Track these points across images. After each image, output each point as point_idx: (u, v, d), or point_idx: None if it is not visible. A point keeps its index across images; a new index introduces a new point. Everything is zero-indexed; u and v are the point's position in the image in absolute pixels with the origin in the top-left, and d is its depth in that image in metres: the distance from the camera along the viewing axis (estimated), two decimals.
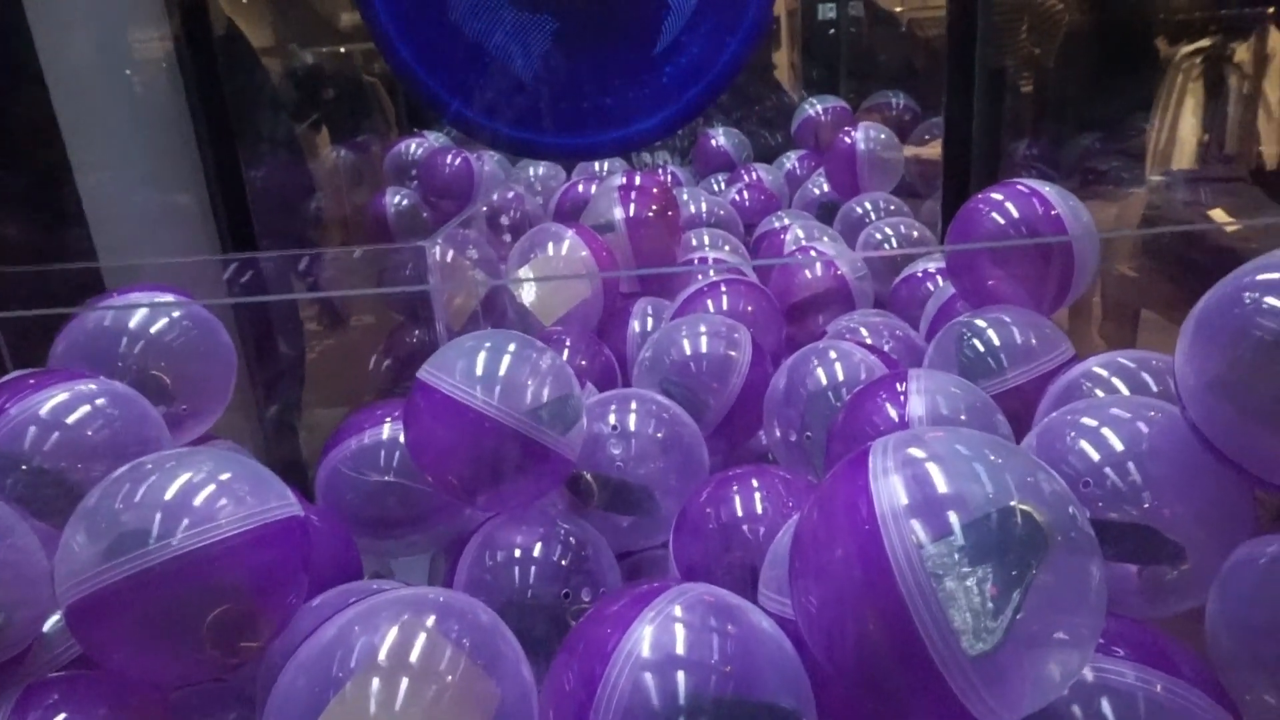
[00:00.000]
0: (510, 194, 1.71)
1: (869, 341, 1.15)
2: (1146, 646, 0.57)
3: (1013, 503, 0.49)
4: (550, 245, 1.27)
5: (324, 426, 1.97)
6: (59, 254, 1.70)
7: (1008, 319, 0.99)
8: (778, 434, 0.98)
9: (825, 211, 1.97)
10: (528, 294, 1.20)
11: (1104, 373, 0.84)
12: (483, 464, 0.80)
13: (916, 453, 0.50)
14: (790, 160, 2.30)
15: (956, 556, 0.47)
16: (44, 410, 0.73)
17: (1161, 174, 1.85)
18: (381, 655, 0.55)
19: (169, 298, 0.92)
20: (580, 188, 1.73)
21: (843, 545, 0.49)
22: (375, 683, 0.54)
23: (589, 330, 1.25)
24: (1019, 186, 1.09)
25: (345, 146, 2.35)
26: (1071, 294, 1.03)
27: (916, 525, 0.48)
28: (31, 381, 0.76)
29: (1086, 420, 0.70)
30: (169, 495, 0.64)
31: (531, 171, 2.24)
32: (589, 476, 0.87)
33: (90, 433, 0.74)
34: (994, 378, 0.95)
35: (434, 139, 2.33)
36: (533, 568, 0.80)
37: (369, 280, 1.39)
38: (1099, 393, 0.82)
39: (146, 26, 1.57)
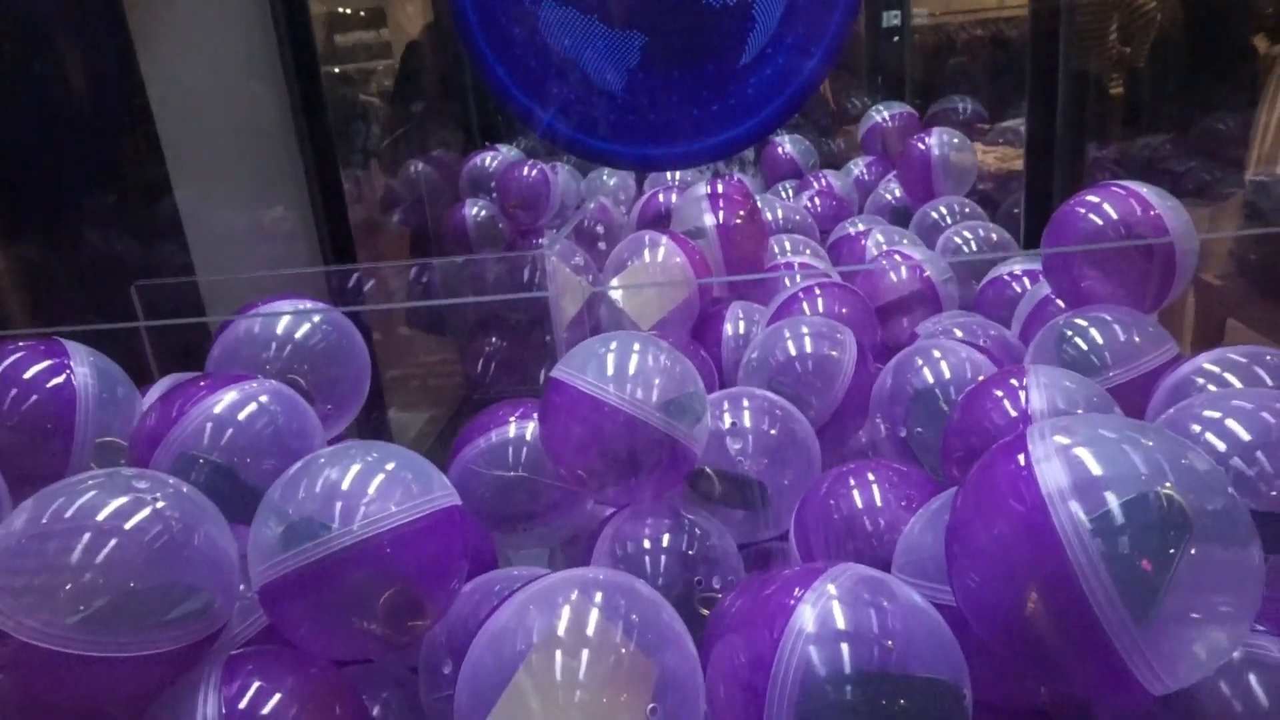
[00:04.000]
0: (593, 205, 1.76)
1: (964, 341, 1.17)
2: None
3: (1169, 483, 0.52)
4: (646, 252, 1.32)
5: (408, 429, 2.03)
6: (158, 270, 1.78)
7: (1109, 318, 1.01)
8: (883, 431, 1.01)
9: (898, 216, 1.99)
10: (626, 299, 1.25)
11: (1216, 369, 0.86)
12: (615, 457, 0.84)
13: (1075, 436, 0.53)
14: (858, 166, 2.32)
15: (1123, 532, 0.50)
16: (218, 409, 0.79)
17: (1263, 176, 1.82)
18: (560, 630, 0.59)
19: (308, 304, 0.98)
20: (660, 197, 1.78)
21: (1009, 524, 0.53)
22: (555, 656, 0.58)
23: (685, 333, 1.29)
24: (1115, 188, 1.11)
25: (422, 160, 2.42)
26: (1171, 294, 1.05)
27: (1082, 503, 0.51)
28: (202, 384, 0.82)
29: (1209, 413, 0.72)
30: (346, 486, 0.69)
31: (604, 181, 2.29)
32: (710, 471, 0.91)
33: (258, 428, 0.80)
34: (1096, 376, 0.97)
35: (506, 151, 2.40)
36: (663, 557, 0.84)
37: (479, 287, 1.45)
38: (1212, 388, 0.84)
39: (252, 43, 1.65)
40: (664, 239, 1.32)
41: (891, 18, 2.51)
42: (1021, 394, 0.81)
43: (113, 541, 0.62)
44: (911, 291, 1.40)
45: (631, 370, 0.85)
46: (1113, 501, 0.51)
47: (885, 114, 2.36)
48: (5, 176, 1.68)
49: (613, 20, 1.43)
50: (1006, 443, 0.56)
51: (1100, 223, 1.08)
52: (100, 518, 0.62)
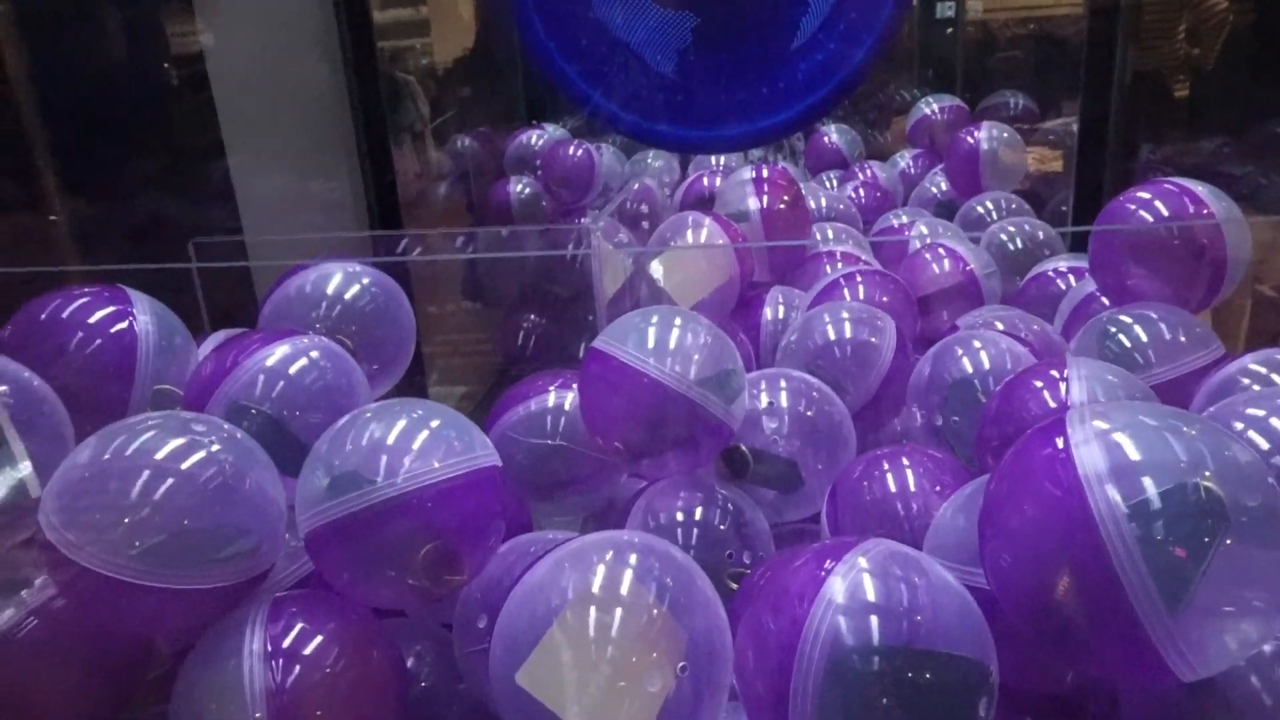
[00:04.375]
0: (636, 186, 1.77)
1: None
2: None
3: (1209, 472, 0.52)
4: (689, 232, 1.32)
5: (444, 401, 2.06)
6: (209, 231, 1.82)
7: (1154, 315, 1.01)
8: (920, 419, 1.01)
9: (943, 210, 1.98)
10: (667, 277, 1.26)
11: (1262, 369, 0.85)
12: (653, 428, 0.85)
13: (1114, 421, 0.54)
14: (905, 159, 2.30)
15: (1160, 518, 0.50)
16: (270, 363, 0.82)
17: None
18: (595, 588, 0.61)
19: (357, 266, 1.01)
20: (704, 181, 1.78)
21: (1044, 506, 0.53)
22: (588, 613, 0.60)
23: (725, 314, 1.30)
24: (1167, 185, 1.10)
25: (468, 135, 2.45)
26: (1221, 293, 1.04)
27: (1120, 488, 0.51)
28: (256, 338, 0.84)
29: (1253, 410, 0.72)
30: (391, 440, 0.71)
31: (648, 163, 2.30)
32: (744, 448, 0.92)
33: (308, 383, 0.82)
34: (1139, 373, 0.96)
35: (552, 130, 2.41)
36: (695, 530, 0.85)
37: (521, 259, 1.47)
38: (1257, 388, 0.83)
39: (309, 13, 1.67)
40: (707, 220, 1.33)
41: (945, 9, 2.48)
42: (1062, 385, 0.81)
43: (170, 481, 0.64)
44: (953, 284, 1.40)
45: (672, 344, 0.86)
46: (1150, 488, 0.51)
47: (935, 106, 2.34)
48: (68, 137, 1.73)
49: (667, 2, 1.43)
50: (1045, 426, 0.56)
51: (1150, 219, 1.07)
52: (159, 457, 0.65)
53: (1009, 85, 2.43)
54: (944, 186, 2.04)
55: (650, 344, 0.86)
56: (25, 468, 0.66)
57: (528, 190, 2.19)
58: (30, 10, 1.65)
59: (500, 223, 2.18)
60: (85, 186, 1.76)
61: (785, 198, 1.47)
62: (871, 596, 0.57)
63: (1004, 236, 1.67)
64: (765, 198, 1.45)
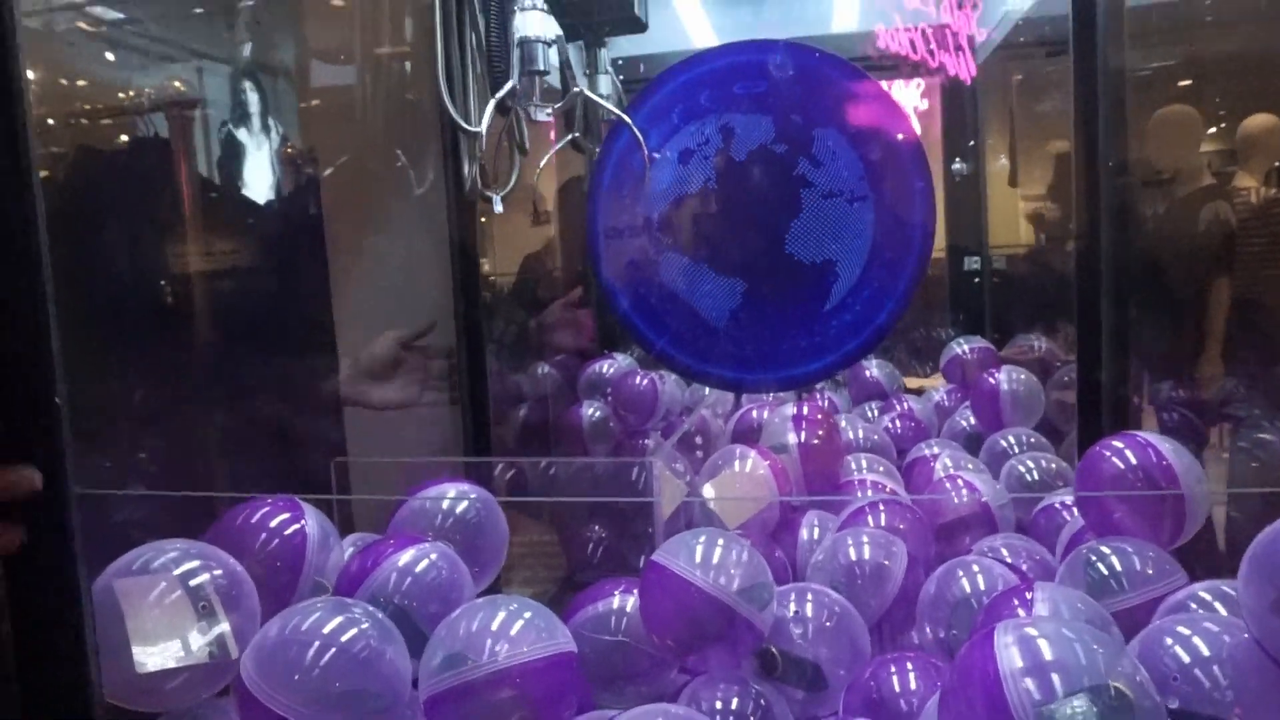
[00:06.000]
0: (697, 416, 2.04)
1: (1008, 560, 1.35)
2: None
3: (1107, 677, 0.70)
4: (736, 463, 1.56)
5: None
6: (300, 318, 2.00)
7: (1130, 549, 1.19)
8: (928, 632, 1.18)
9: (971, 442, 2.19)
10: (717, 502, 1.49)
11: (1208, 596, 1.02)
12: (697, 629, 1.05)
13: (1031, 630, 0.73)
14: (939, 393, 2.54)
15: (1062, 711, 0.69)
16: (401, 563, 1.06)
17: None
18: None
19: (465, 485, 1.26)
20: (754, 413, 2.04)
21: (975, 697, 0.72)
22: None
23: (765, 535, 1.51)
24: (1139, 437, 1.31)
25: (548, 364, 2.78)
26: (1184, 535, 1.22)
27: (1030, 683, 0.70)
28: (391, 543, 1.09)
29: (1182, 629, 0.89)
30: (493, 627, 0.93)
31: (705, 392, 2.58)
32: (774, 649, 1.11)
33: (428, 580, 1.05)
34: (1116, 596, 1.13)
35: (622, 360, 2.74)
36: (731, 717, 1.03)
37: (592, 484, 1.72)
38: (1198, 610, 1.00)
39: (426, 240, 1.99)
40: (752, 453, 1.57)
41: (971, 263, 2.81)
42: (1031, 604, 0.99)
43: (332, 650, 0.87)
44: (970, 513, 1.59)
45: (715, 560, 1.07)
46: (1056, 684, 0.70)
47: (965, 347, 2.60)
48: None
49: (721, 269, 1.76)
50: (984, 632, 0.76)
51: (1121, 466, 1.27)
52: (325, 631, 0.88)
53: (1032, 325, 2.70)
54: (973, 420, 2.26)
55: (698, 559, 1.07)
56: (228, 633, 0.90)
57: (598, 414, 2.48)
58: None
59: (572, 441, 2.45)
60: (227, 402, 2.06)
61: (820, 432, 1.71)
62: None
63: (1021, 469, 1.87)
64: (804, 433, 1.69)
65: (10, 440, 0.69)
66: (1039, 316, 2.59)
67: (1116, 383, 1.66)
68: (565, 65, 1.63)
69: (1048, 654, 0.71)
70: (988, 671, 0.71)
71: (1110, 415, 1.67)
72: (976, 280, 2.83)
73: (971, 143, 2.90)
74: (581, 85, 1.69)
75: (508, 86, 1.45)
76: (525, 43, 1.46)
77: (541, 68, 1.49)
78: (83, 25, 1.72)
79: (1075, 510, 1.56)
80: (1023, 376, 2.15)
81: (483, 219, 2.25)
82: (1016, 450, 2.00)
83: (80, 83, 1.63)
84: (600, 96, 1.81)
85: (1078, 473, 1.34)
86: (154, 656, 0.84)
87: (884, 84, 2.45)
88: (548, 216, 2.87)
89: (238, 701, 0.85)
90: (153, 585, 0.88)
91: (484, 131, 1.45)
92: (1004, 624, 0.75)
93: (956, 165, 2.81)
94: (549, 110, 1.60)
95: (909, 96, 3.06)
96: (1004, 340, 2.73)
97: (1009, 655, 0.71)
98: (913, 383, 2.73)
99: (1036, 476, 1.83)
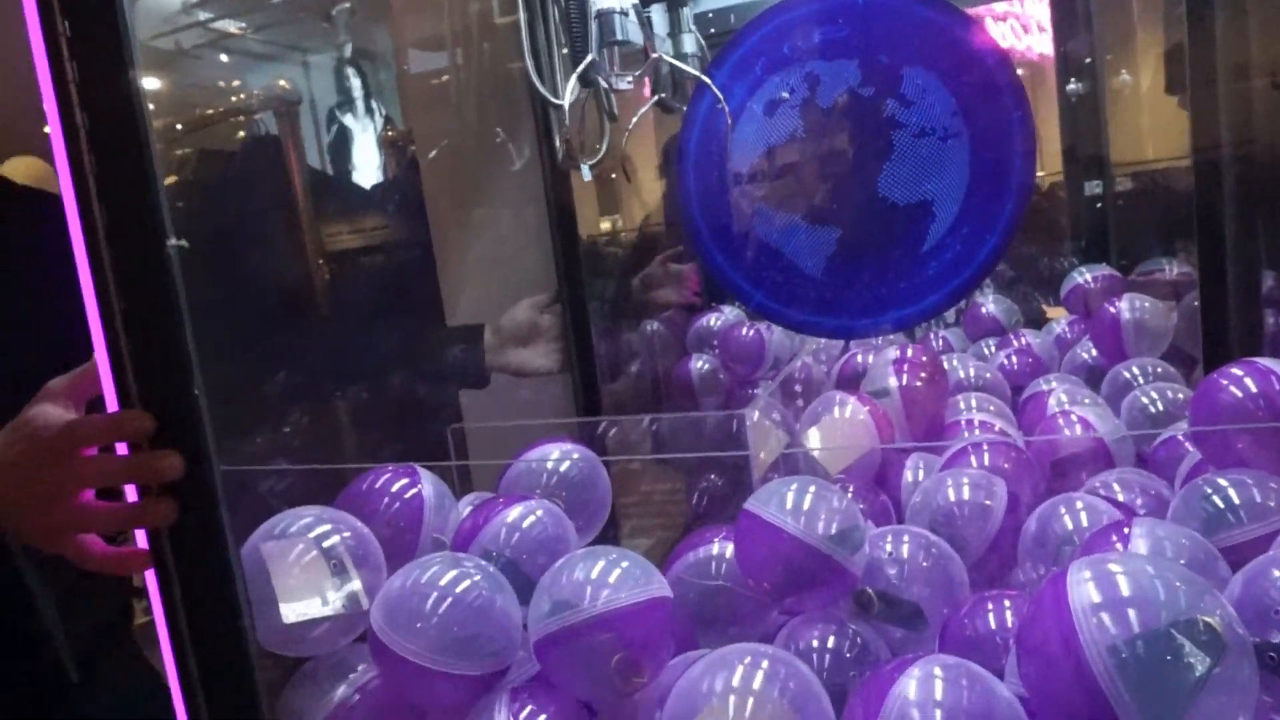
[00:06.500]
0: (799, 364, 2.05)
1: (1121, 497, 1.32)
2: None
3: (1186, 613, 0.70)
4: (836, 409, 1.57)
5: (638, 550, 2.34)
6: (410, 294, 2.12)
7: (1249, 480, 1.14)
8: (1029, 569, 1.18)
9: (1094, 375, 2.10)
10: (818, 449, 1.51)
11: None
12: (790, 574, 1.09)
13: (1112, 567, 0.73)
14: (1060, 325, 2.44)
15: (1140, 652, 0.69)
16: (509, 519, 1.14)
17: None
18: (733, 684, 0.85)
19: (568, 445, 1.34)
20: (859, 358, 2.03)
21: (1049, 634, 0.73)
22: (728, 703, 0.84)
23: (868, 478, 1.52)
24: (1259, 364, 1.24)
25: (656, 320, 2.83)
26: None
27: (1102, 619, 0.71)
28: (500, 501, 1.17)
29: None
30: (593, 576, 0.99)
31: (812, 342, 2.58)
32: (870, 591, 1.13)
33: (535, 534, 1.14)
34: (1232, 530, 1.09)
35: (728, 313, 2.76)
36: (827, 655, 1.06)
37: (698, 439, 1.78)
38: None
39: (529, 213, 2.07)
40: (852, 400, 1.58)
41: (1093, 187, 2.66)
42: (1128, 539, 0.98)
43: (449, 600, 0.96)
44: (1084, 449, 1.55)
45: (806, 506, 1.10)
46: (1133, 623, 0.70)
47: (1087, 275, 2.49)
48: None
49: (814, 219, 1.75)
50: (1059, 571, 0.76)
51: (1240, 395, 1.21)
52: (442, 583, 0.97)
53: (1161, 247, 2.54)
54: (1094, 353, 2.17)
55: (789, 506, 1.11)
56: (359, 588, 1.00)
57: (707, 366, 2.52)
58: None
59: (683, 395, 2.50)
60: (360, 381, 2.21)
61: (924, 374, 1.70)
62: (936, 695, 0.77)
63: (1144, 401, 1.79)
64: (905, 376, 1.68)
65: (161, 430, 0.80)
66: (1171, 237, 2.43)
67: (1245, 306, 1.57)
68: (645, 28, 1.65)
69: (1124, 589, 0.72)
70: (1060, 608, 0.72)
71: (1241, 341, 1.58)
72: (1099, 205, 2.68)
73: (1089, 59, 2.73)
74: (661, 48, 1.70)
75: (587, 60, 1.49)
76: (602, 15, 1.49)
77: (619, 37, 1.52)
78: (204, 39, 1.86)
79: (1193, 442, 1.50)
80: (1146, 304, 2.04)
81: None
82: (1141, 381, 1.92)
83: (202, 89, 1.78)
84: (685, 55, 1.82)
85: (1193, 403, 1.29)
86: (296, 610, 0.95)
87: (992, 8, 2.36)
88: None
89: (370, 648, 0.95)
90: (292, 547, 0.99)
91: (566, 105, 1.49)
92: (1080, 560, 0.76)
93: (1072, 86, 2.66)
94: (629, 79, 1.63)
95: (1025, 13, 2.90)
96: (1130, 267, 2.59)
97: (1083, 591, 0.72)
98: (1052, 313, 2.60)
99: (1161, 408, 1.76)
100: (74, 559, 0.77)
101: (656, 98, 1.89)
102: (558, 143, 1.72)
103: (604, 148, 1.78)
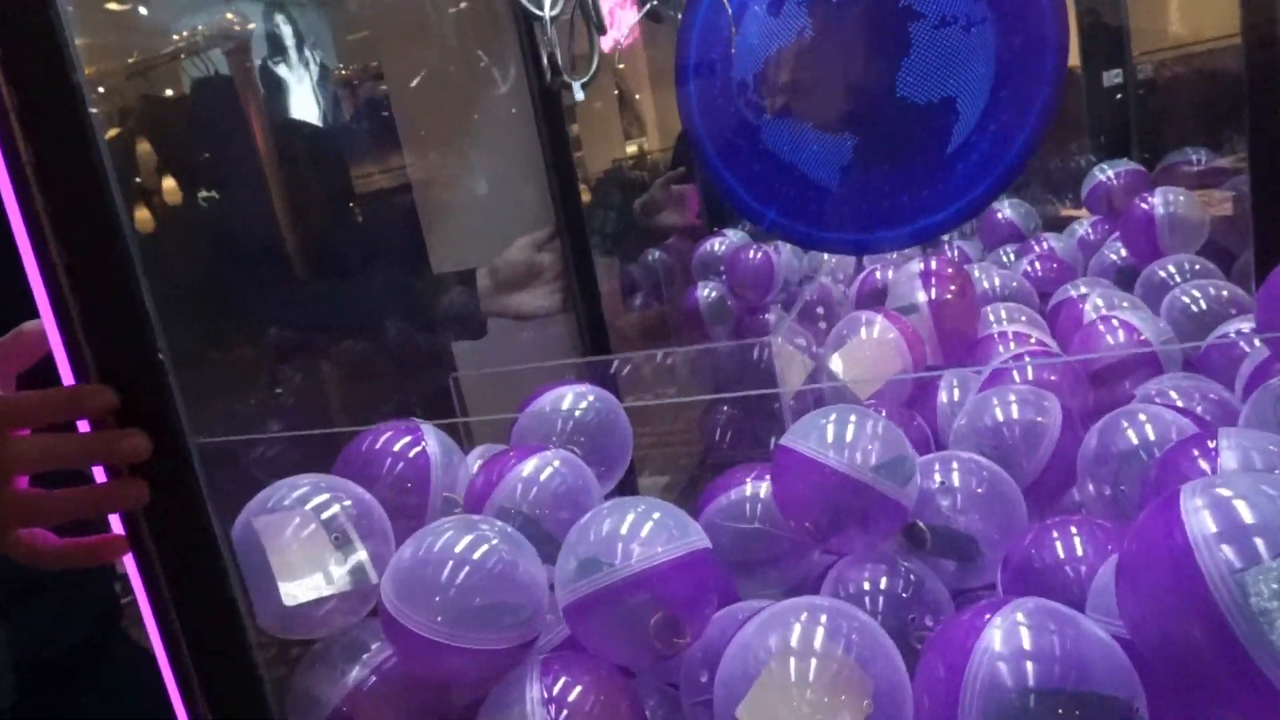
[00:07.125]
0: (816, 285, 1.94)
1: (1179, 404, 1.22)
2: None
3: None
4: (862, 330, 1.47)
5: (653, 491, 2.26)
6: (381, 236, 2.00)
7: None
8: (1091, 490, 1.09)
9: (1123, 277, 1.99)
10: (845, 372, 1.40)
11: None
12: (835, 512, 1.00)
13: (1227, 490, 0.64)
14: (1083, 227, 2.32)
15: (1264, 575, 0.60)
16: (524, 473, 1.04)
17: None
18: (793, 643, 0.76)
19: (583, 387, 1.23)
20: (877, 274, 1.92)
21: (1161, 567, 0.64)
22: (789, 663, 0.75)
23: (900, 402, 1.42)
24: None
25: (658, 249, 2.71)
26: None
27: (1228, 549, 0.61)
28: (512, 454, 1.07)
29: None
30: (624, 531, 0.90)
31: (824, 258, 2.46)
32: (921, 525, 1.04)
33: (554, 487, 1.04)
34: None
35: (734, 236, 2.63)
36: (881, 598, 0.98)
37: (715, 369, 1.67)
38: None
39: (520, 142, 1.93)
40: (879, 318, 1.47)
41: (1113, 77, 2.51)
42: (1215, 454, 0.88)
43: (466, 568, 0.86)
44: (1129, 356, 1.44)
45: (848, 438, 1.01)
46: (1260, 549, 0.61)
47: (1110, 172, 2.35)
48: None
49: (827, 127, 1.62)
50: (1164, 496, 0.67)
51: None
52: (457, 550, 0.87)
53: (1189, 138, 2.40)
54: (1124, 253, 2.05)
55: (830, 438, 1.01)
56: (365, 560, 0.91)
57: (714, 294, 2.40)
58: None
59: (692, 326, 2.39)
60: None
61: (953, 287, 1.59)
62: (1026, 645, 0.68)
63: (1186, 299, 1.68)
64: (934, 289, 1.57)
65: (125, 406, 0.69)
66: (1198, 127, 2.29)
67: None
68: None
69: (1246, 515, 0.62)
70: (1174, 538, 0.62)
71: None
72: (1119, 96, 2.53)
73: None
74: None
75: None
76: None
77: None
78: None
79: (1256, 340, 1.39)
80: (1181, 198, 1.92)
81: (637, 97, 2.13)
82: (1179, 280, 1.80)
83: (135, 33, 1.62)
84: None
85: (1260, 298, 1.18)
86: (298, 588, 0.86)
87: None
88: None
89: (383, 625, 0.86)
90: (288, 521, 0.89)
91: (547, 16, 1.35)
92: (1190, 485, 0.66)
93: None
94: None
95: None
96: (1153, 162, 2.45)
97: (1199, 519, 0.62)
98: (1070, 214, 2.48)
99: (1205, 306, 1.65)
100: (23, 559, 0.66)
101: (648, 6, 1.74)
102: (544, 61, 1.58)
103: (595, 64, 1.64)
